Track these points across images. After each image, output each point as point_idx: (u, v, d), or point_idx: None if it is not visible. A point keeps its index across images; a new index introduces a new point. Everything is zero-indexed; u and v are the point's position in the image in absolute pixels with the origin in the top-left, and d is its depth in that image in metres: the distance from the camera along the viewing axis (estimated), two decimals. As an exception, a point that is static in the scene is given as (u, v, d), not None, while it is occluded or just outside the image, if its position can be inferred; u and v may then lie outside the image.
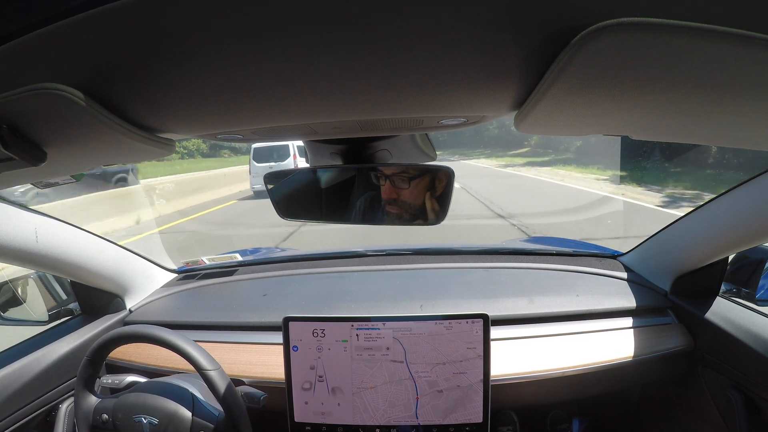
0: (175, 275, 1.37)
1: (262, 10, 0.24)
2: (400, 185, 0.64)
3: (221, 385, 0.80)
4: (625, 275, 1.17)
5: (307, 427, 0.91)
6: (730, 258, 0.96)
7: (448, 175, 0.63)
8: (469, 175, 12.64)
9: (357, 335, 0.89)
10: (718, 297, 0.99)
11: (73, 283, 1.11)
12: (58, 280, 1.14)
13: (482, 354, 0.87)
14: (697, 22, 0.23)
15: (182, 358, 0.82)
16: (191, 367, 0.81)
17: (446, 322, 0.87)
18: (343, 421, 0.90)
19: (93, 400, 0.87)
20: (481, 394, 0.87)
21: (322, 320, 0.89)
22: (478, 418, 0.88)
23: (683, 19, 0.23)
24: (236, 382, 0.90)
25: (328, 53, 0.28)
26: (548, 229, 5.50)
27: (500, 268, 1.26)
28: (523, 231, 5.38)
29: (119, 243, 1.14)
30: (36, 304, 1.09)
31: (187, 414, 0.81)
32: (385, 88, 0.33)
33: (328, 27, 0.25)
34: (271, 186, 0.72)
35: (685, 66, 0.26)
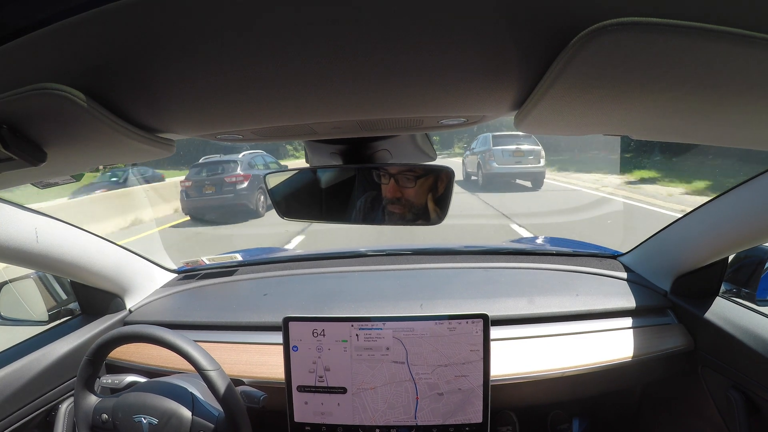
0: (175, 275, 1.37)
1: (262, 10, 0.24)
2: (405, 184, 0.64)
3: (221, 386, 0.80)
4: (625, 275, 1.17)
5: (306, 427, 0.91)
6: (730, 258, 0.96)
7: (448, 176, 0.63)
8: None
9: (357, 335, 0.89)
10: (718, 297, 0.99)
11: (73, 283, 1.11)
12: (58, 280, 1.14)
13: (482, 354, 0.87)
14: (697, 22, 0.23)
15: (182, 358, 0.82)
16: (191, 367, 0.81)
17: (447, 322, 0.87)
18: (343, 421, 0.90)
19: (93, 399, 0.87)
20: (482, 396, 0.87)
21: (322, 320, 0.89)
22: (477, 418, 0.88)
23: (683, 19, 0.23)
24: (236, 382, 0.90)
25: (328, 53, 0.28)
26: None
27: (500, 268, 1.26)
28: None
29: (119, 243, 1.14)
30: (36, 304, 1.09)
31: (187, 414, 0.81)
32: (385, 88, 0.33)
33: (328, 27, 0.25)
34: (272, 186, 0.72)
35: (685, 66, 0.26)
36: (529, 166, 8.76)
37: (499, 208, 6.95)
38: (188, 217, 7.88)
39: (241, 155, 8.01)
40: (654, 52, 0.25)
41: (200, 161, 8.36)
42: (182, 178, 8.11)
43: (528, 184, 9.14)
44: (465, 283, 1.18)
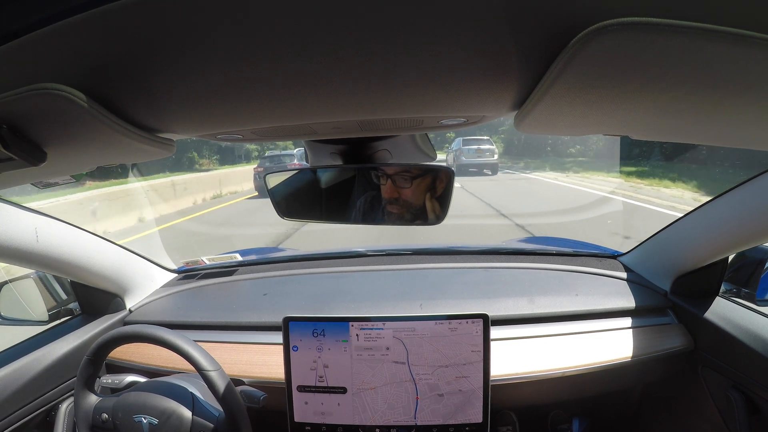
0: (175, 275, 1.37)
1: (261, 10, 0.24)
2: (401, 184, 0.64)
3: (221, 386, 0.80)
4: (624, 275, 1.17)
5: (306, 427, 0.91)
6: (730, 258, 0.96)
7: (448, 176, 0.63)
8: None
9: (357, 335, 0.89)
10: (718, 297, 0.99)
11: (73, 283, 1.11)
12: (58, 280, 1.14)
13: (482, 355, 0.87)
14: (697, 22, 0.23)
15: (182, 358, 0.82)
16: (191, 367, 0.81)
17: (448, 322, 0.87)
18: (343, 421, 0.90)
19: (93, 399, 0.87)
20: (482, 396, 0.87)
21: (322, 320, 0.89)
22: (477, 418, 0.88)
23: (683, 19, 0.23)
24: (236, 382, 0.90)
25: (328, 53, 0.28)
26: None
27: (500, 268, 1.26)
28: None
29: (119, 242, 1.14)
30: (36, 304, 1.09)
31: (187, 414, 0.81)
32: (385, 88, 0.33)
33: (328, 27, 0.25)
34: (272, 186, 0.72)
35: (685, 66, 0.26)
36: (487, 159, 13.47)
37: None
38: (257, 193, 11.05)
39: (295, 150, 11.32)
40: (654, 52, 0.25)
41: (266, 155, 12.25)
42: (255, 165, 12.33)
43: (489, 172, 13.64)
44: (465, 283, 1.18)
